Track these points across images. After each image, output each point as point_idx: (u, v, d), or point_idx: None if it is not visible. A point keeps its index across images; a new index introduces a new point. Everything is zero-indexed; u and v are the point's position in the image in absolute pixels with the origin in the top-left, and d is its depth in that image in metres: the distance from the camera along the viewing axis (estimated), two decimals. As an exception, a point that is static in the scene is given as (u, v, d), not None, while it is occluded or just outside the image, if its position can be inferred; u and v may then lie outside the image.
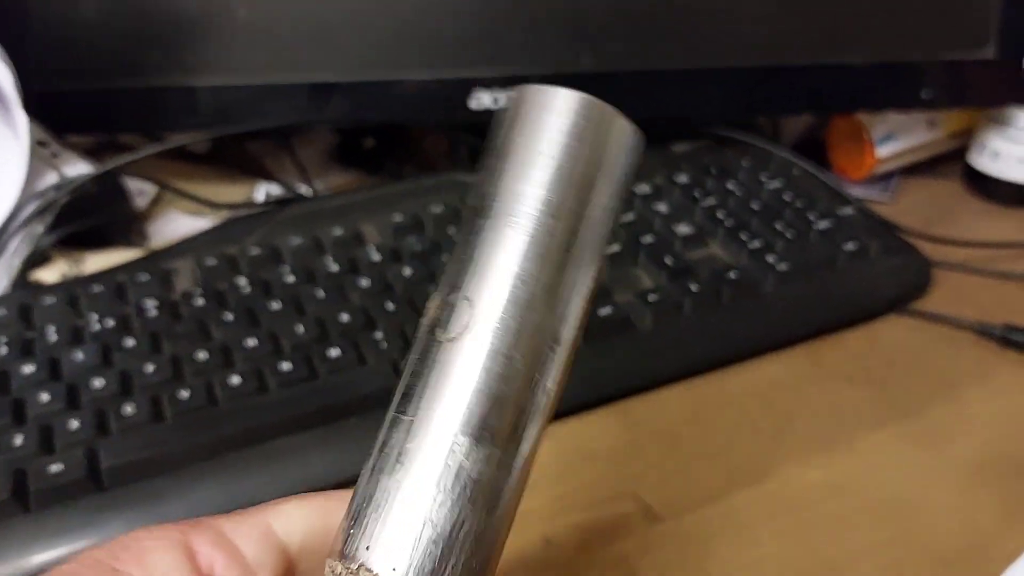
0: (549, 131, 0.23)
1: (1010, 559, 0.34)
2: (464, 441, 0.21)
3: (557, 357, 0.23)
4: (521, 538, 0.37)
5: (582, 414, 0.43)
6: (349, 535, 0.21)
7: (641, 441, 0.42)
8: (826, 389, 0.44)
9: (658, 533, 0.37)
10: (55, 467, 0.38)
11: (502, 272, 0.22)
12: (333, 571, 0.21)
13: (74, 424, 0.40)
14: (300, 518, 0.23)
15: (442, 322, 0.22)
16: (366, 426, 0.41)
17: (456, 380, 0.21)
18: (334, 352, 0.43)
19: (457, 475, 0.21)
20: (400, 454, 0.21)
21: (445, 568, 0.21)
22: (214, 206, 0.61)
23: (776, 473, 0.39)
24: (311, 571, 0.23)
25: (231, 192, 0.66)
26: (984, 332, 0.46)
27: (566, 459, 0.41)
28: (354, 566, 0.21)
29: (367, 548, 0.21)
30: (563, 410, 0.43)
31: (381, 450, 0.22)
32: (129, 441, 0.40)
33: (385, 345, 0.44)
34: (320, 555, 0.22)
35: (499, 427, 0.21)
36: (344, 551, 0.21)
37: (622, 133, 0.24)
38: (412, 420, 0.21)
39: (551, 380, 0.23)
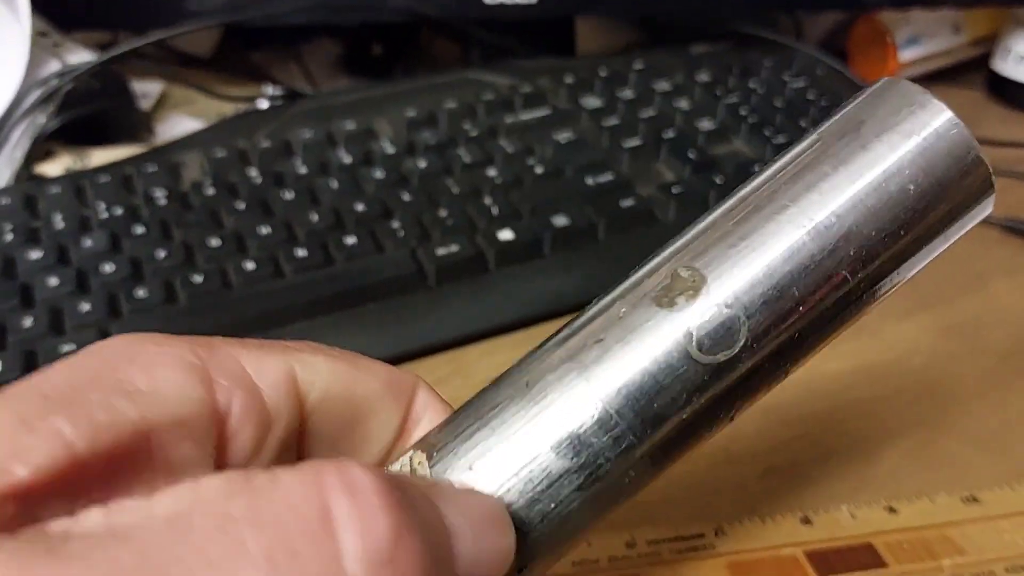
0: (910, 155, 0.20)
1: (1043, 441, 0.34)
2: (623, 419, 0.19)
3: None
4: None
5: (603, 306, 0.42)
6: (451, 440, 0.19)
7: (664, 332, 0.41)
8: (852, 282, 0.43)
9: (685, 416, 0.36)
10: (66, 347, 0.37)
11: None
12: (411, 462, 0.20)
13: (84, 307, 0.39)
14: (326, 373, 0.20)
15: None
16: (383, 312, 0.40)
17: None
18: (350, 240, 0.42)
19: (592, 446, 0.19)
20: (547, 394, 0.19)
21: (531, 518, 0.19)
22: (222, 98, 0.60)
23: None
24: (318, 433, 0.20)
25: (237, 95, 0.64)
26: (1012, 229, 0.45)
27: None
28: (440, 468, 0.19)
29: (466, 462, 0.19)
30: (584, 303, 0.42)
31: (527, 382, 0.19)
32: (142, 322, 0.39)
33: (402, 233, 0.43)
34: (333, 419, 0.20)
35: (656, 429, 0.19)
36: (437, 448, 0.20)
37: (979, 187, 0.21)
38: (582, 375, 0.19)
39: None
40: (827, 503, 0.31)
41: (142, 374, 0.17)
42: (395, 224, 0.43)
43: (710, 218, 0.21)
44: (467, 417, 0.20)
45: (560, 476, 0.19)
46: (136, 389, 0.17)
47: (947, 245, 0.21)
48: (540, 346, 0.21)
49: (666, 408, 0.19)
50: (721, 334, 0.19)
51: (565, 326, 0.21)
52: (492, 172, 0.46)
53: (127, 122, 0.58)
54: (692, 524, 0.30)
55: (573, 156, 0.47)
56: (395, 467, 0.20)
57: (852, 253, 0.19)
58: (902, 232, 0.20)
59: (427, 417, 0.22)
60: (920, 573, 0.28)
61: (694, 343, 0.19)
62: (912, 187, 0.20)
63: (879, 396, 0.36)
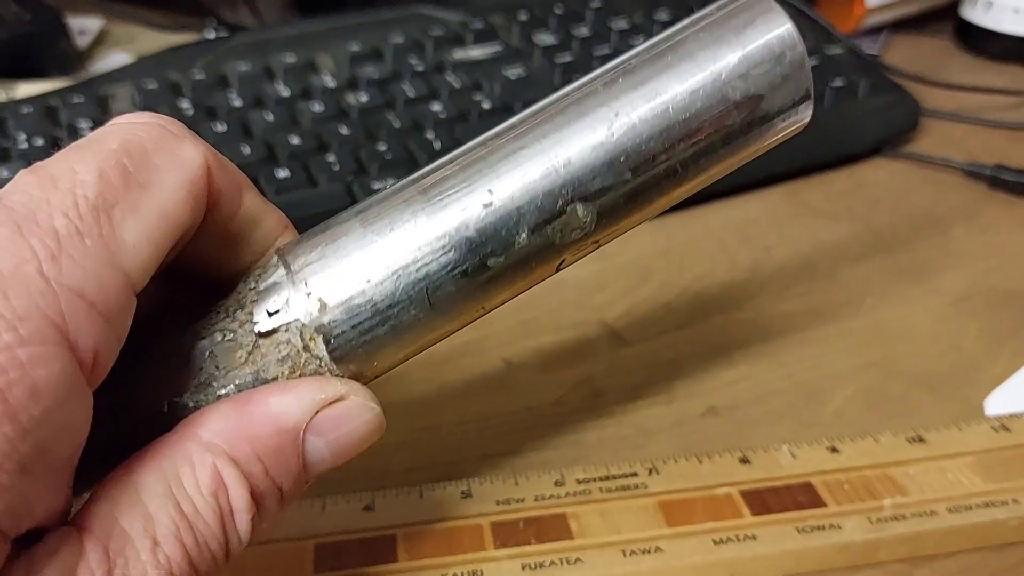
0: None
1: (995, 383, 0.32)
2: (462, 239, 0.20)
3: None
4: (480, 359, 0.35)
5: (548, 246, 0.40)
6: (305, 246, 0.21)
7: (610, 273, 0.39)
8: (808, 225, 0.41)
9: (625, 356, 0.35)
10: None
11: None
12: (269, 262, 0.21)
13: (-6, 238, 0.37)
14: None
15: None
16: (316, 248, 0.38)
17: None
18: (282, 173, 0.40)
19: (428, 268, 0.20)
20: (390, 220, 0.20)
21: (366, 334, 0.20)
22: (165, 34, 0.57)
23: (752, 303, 0.37)
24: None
25: (181, 32, 0.61)
26: (973, 173, 0.43)
27: (530, 288, 0.38)
28: (295, 271, 0.20)
29: (313, 269, 0.20)
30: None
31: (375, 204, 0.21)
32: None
33: (338, 167, 0.40)
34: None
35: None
36: (292, 253, 0.21)
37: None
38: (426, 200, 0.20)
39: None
40: (768, 444, 0.29)
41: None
42: (331, 158, 0.41)
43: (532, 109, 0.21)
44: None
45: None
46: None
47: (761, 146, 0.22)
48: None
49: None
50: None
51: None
52: (436, 107, 0.44)
53: (59, 57, 0.55)
54: (625, 464, 0.29)
55: (523, 92, 0.45)
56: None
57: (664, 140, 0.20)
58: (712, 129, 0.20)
59: (224, 198, 0.21)
60: (860, 512, 0.26)
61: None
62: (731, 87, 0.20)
63: (828, 337, 0.35)
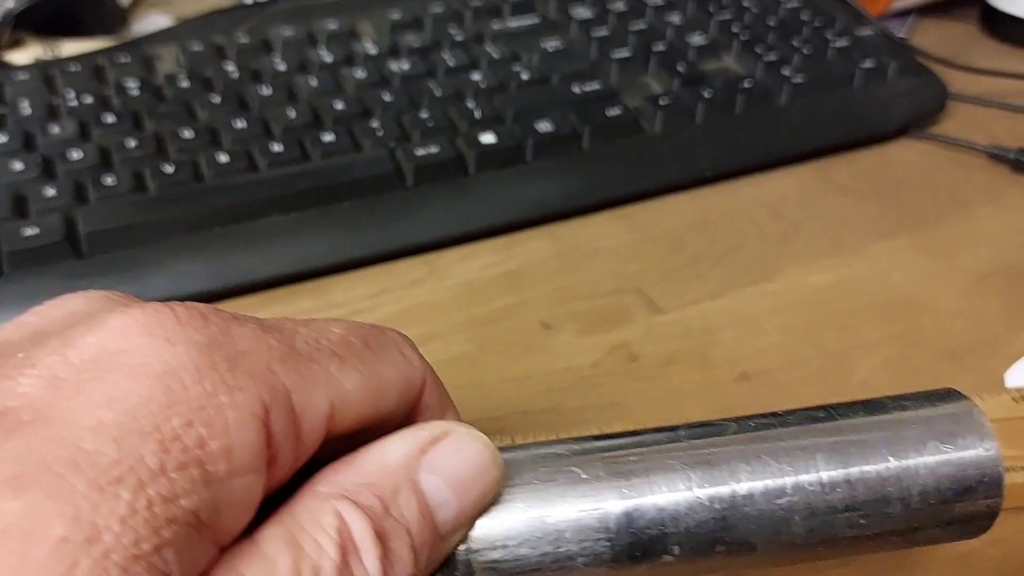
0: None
1: (1015, 357, 0.34)
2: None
3: None
4: (519, 322, 0.36)
5: (584, 216, 0.42)
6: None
7: (644, 244, 0.40)
8: (836, 202, 0.42)
9: (660, 323, 0.36)
10: (29, 230, 0.36)
11: None
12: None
13: (50, 191, 0.38)
14: (357, 406, 0.19)
15: None
16: (359, 211, 0.39)
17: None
18: (327, 137, 0.41)
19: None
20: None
21: None
22: None
23: (782, 275, 0.38)
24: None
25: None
26: (997, 156, 0.44)
27: (566, 255, 0.40)
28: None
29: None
30: (565, 211, 0.42)
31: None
32: (109, 209, 0.38)
33: (381, 133, 0.42)
34: (345, 439, 0.20)
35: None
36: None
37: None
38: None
39: None
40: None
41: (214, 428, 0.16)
42: (374, 124, 0.42)
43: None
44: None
45: None
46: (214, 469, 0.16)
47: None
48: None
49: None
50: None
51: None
52: (476, 76, 0.45)
53: (101, 16, 0.56)
54: (658, 422, 0.30)
55: (560, 64, 0.46)
56: None
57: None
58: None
59: (428, 412, 0.22)
60: (887, 474, 0.28)
61: None
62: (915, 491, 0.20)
63: (856, 309, 0.36)
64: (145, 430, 0.15)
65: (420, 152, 0.40)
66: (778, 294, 0.37)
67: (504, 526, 0.19)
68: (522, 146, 0.41)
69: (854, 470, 0.20)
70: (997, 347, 0.34)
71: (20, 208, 0.38)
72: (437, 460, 0.19)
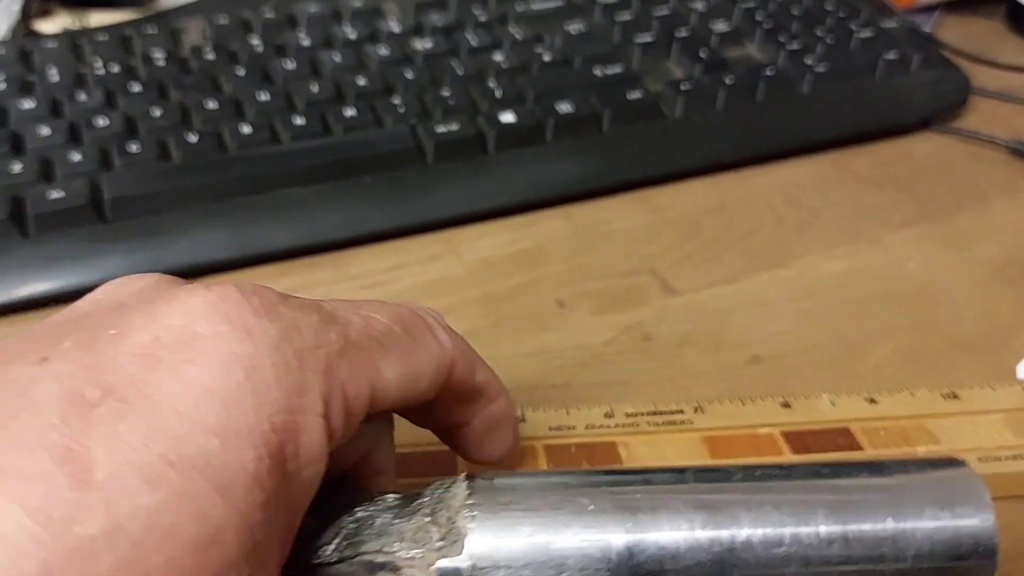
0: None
1: (1029, 350, 0.34)
2: None
3: None
4: (533, 299, 0.37)
5: (602, 198, 0.42)
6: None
7: (660, 226, 0.41)
8: (853, 191, 0.42)
9: (674, 304, 0.36)
10: (55, 194, 0.37)
11: None
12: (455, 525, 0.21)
13: (76, 157, 0.39)
14: (395, 392, 0.21)
15: None
16: (379, 185, 0.39)
17: None
18: (349, 112, 0.42)
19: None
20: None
21: None
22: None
23: (798, 261, 0.38)
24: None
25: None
26: (1017, 151, 0.44)
27: (582, 235, 0.40)
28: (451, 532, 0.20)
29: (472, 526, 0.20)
30: (582, 192, 0.42)
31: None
32: (133, 176, 0.38)
33: (403, 110, 0.42)
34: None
35: None
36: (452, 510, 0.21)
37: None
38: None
39: None
40: (809, 392, 0.31)
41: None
42: (396, 100, 0.42)
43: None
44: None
45: None
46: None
47: None
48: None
49: None
50: None
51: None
52: (499, 57, 0.45)
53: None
54: (672, 402, 0.31)
55: (582, 47, 0.46)
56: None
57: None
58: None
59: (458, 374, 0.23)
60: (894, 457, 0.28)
61: None
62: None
63: (870, 297, 0.36)
64: (241, 430, 0.16)
65: (440, 129, 0.40)
66: (793, 280, 0.38)
67: (510, 548, 0.20)
68: (542, 126, 0.41)
69: (852, 527, 0.20)
70: (1010, 339, 0.34)
71: (46, 172, 0.38)
72: None
